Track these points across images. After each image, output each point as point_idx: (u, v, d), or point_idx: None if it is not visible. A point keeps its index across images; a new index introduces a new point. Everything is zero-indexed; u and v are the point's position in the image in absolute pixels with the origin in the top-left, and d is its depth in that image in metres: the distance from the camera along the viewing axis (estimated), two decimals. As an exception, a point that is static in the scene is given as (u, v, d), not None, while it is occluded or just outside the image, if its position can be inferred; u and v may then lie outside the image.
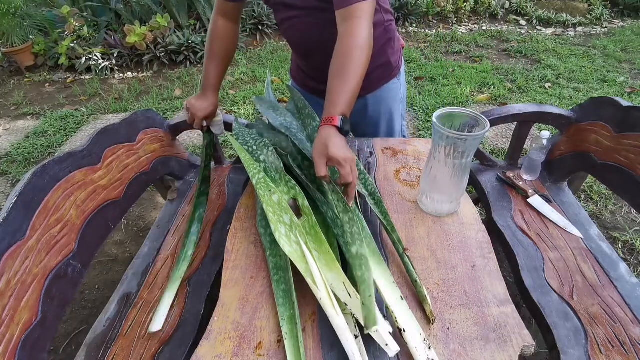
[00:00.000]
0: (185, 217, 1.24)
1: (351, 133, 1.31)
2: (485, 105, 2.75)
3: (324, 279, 0.66)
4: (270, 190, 0.78)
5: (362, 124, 1.26)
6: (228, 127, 1.24)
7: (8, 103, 3.20)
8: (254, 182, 0.80)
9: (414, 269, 0.75)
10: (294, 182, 0.85)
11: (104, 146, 1.07)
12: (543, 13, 4.34)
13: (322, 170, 0.74)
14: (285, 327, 0.67)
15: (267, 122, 1.12)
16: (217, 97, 1.11)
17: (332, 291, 0.66)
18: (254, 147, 0.98)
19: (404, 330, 0.63)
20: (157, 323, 0.85)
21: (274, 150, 0.94)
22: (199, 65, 3.61)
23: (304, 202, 0.81)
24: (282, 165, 0.90)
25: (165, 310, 0.88)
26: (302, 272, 0.67)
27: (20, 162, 2.39)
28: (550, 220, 1.12)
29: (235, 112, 2.74)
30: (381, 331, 0.61)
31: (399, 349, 0.60)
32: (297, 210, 0.80)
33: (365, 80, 0.84)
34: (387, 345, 0.60)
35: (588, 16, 4.32)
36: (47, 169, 0.88)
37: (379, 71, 1.12)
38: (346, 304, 0.65)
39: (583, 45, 3.77)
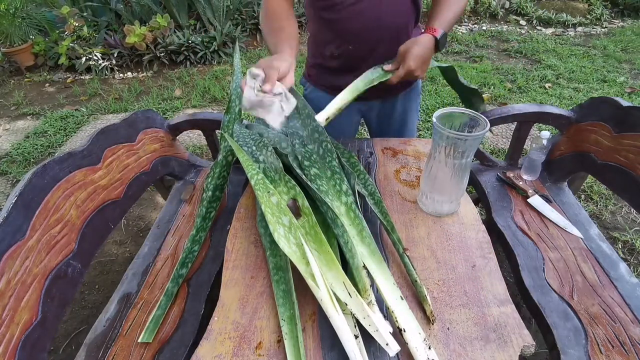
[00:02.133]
0: (185, 217, 1.24)
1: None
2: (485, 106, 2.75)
3: (324, 279, 0.66)
4: (268, 192, 0.78)
5: (391, 124, 1.24)
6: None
7: (8, 103, 3.20)
8: (252, 183, 0.80)
9: (414, 269, 0.75)
10: (293, 182, 0.85)
11: (104, 146, 1.07)
12: (543, 13, 4.33)
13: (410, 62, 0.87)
14: (285, 327, 0.67)
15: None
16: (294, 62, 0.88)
17: (332, 291, 0.66)
18: (254, 148, 0.98)
19: (404, 330, 0.63)
20: (147, 336, 0.86)
21: (273, 151, 0.94)
22: (199, 66, 3.61)
23: (303, 202, 0.81)
24: (281, 165, 0.90)
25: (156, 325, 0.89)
26: (302, 273, 0.67)
27: (20, 162, 2.39)
28: (550, 220, 1.12)
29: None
30: (381, 331, 0.61)
31: (399, 348, 0.60)
32: (297, 210, 0.80)
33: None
34: (387, 344, 0.60)
35: (588, 16, 4.32)
36: (47, 169, 0.88)
37: None
38: (346, 304, 0.65)
39: (583, 45, 3.77)
